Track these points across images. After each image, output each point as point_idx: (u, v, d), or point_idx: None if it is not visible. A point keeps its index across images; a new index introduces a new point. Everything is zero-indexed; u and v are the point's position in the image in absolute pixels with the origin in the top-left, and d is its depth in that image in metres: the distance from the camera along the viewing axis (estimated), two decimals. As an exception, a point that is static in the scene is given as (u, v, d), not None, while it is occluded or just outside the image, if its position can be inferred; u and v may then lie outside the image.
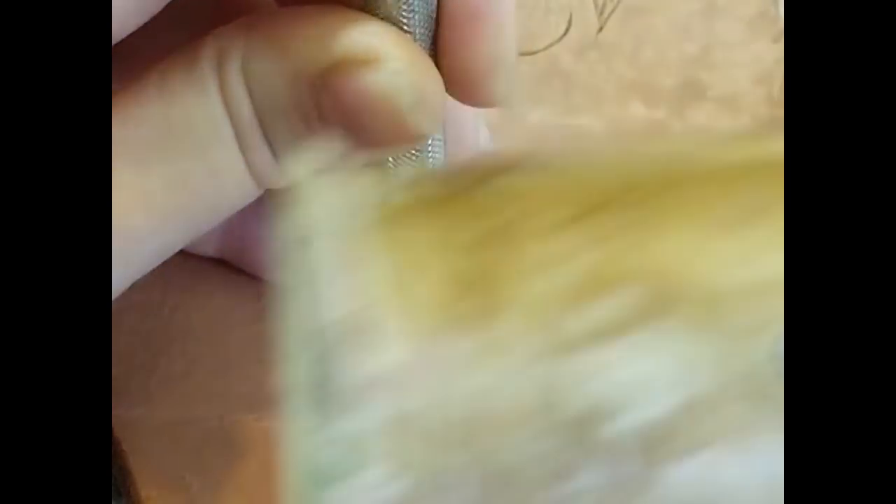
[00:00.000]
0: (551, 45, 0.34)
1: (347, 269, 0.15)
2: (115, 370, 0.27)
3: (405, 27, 0.21)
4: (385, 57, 0.20)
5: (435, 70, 0.21)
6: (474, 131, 0.26)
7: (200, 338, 0.29)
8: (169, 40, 0.22)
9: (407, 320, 0.15)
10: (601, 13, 0.35)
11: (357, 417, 0.14)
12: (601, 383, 0.14)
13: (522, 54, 0.33)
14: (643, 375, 0.14)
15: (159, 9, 0.21)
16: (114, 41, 0.21)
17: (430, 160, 0.24)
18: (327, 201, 0.16)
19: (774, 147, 0.17)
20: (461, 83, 0.22)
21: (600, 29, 0.34)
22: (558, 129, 0.32)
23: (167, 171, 0.21)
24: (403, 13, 0.21)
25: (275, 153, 0.21)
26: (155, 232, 0.21)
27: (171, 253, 0.22)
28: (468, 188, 0.16)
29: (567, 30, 0.34)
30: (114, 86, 0.20)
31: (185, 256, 0.29)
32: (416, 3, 0.21)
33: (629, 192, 0.16)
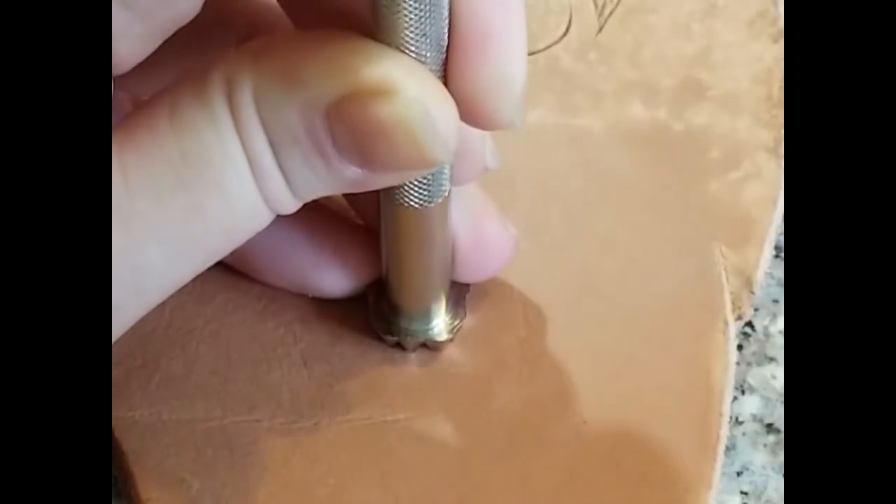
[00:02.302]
0: (551, 45, 0.34)
1: None
2: (115, 370, 0.28)
3: (416, 52, 0.21)
4: (399, 87, 0.20)
5: (449, 97, 0.21)
6: (481, 147, 0.26)
7: (200, 338, 0.29)
8: (175, 62, 0.21)
9: None
10: (601, 13, 0.35)
11: None
12: None
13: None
14: None
15: (156, 47, 0.21)
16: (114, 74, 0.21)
17: (439, 179, 0.24)
18: None
19: None
20: (470, 106, 0.21)
21: (600, 29, 0.34)
22: (558, 128, 0.32)
23: (182, 203, 0.21)
24: (414, 38, 0.20)
25: (288, 180, 0.21)
26: (170, 263, 0.21)
27: (186, 281, 0.22)
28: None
29: (567, 30, 0.34)
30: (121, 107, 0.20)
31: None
32: (427, 27, 0.20)
33: None
